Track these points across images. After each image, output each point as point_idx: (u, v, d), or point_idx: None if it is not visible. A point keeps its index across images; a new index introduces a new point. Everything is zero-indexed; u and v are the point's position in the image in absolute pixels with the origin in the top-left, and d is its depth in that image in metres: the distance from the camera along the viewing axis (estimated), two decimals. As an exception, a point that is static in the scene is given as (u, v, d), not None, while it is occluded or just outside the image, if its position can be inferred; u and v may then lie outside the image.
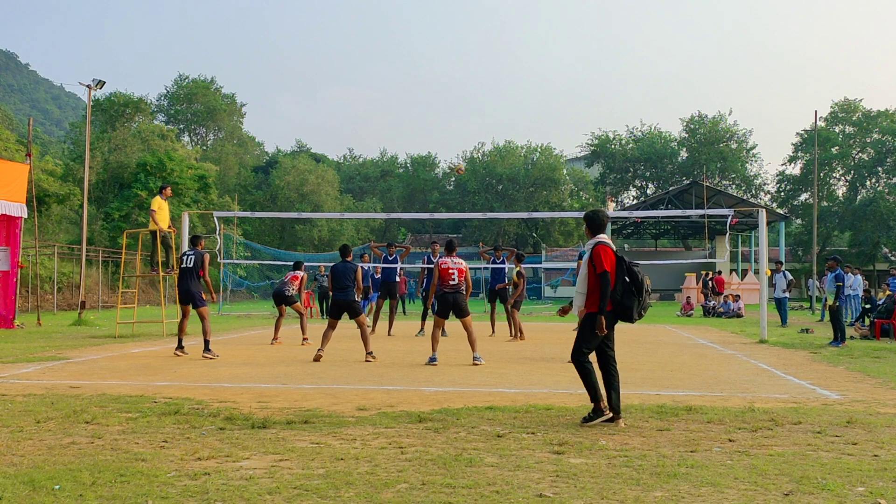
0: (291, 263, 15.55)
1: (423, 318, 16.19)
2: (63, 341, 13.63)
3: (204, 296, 11.38)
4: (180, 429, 5.62)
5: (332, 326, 10.85)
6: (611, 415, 5.91)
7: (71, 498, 3.88)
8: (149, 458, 4.72)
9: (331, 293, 11.14)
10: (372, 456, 4.80)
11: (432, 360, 10.23)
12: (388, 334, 15.38)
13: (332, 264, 11.44)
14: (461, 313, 10.34)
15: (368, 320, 17.38)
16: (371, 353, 10.70)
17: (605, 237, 6.16)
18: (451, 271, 10.36)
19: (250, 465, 4.59)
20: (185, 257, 11.55)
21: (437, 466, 4.55)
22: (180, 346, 11.14)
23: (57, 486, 4.05)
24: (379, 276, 17.00)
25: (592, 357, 6.05)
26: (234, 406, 6.60)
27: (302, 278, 14.10)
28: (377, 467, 4.52)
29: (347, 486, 4.12)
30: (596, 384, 5.97)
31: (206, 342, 10.97)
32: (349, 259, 11.06)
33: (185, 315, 11.49)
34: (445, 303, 10.37)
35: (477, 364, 10.05)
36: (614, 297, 5.96)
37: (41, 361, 10.20)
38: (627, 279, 5.96)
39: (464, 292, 10.43)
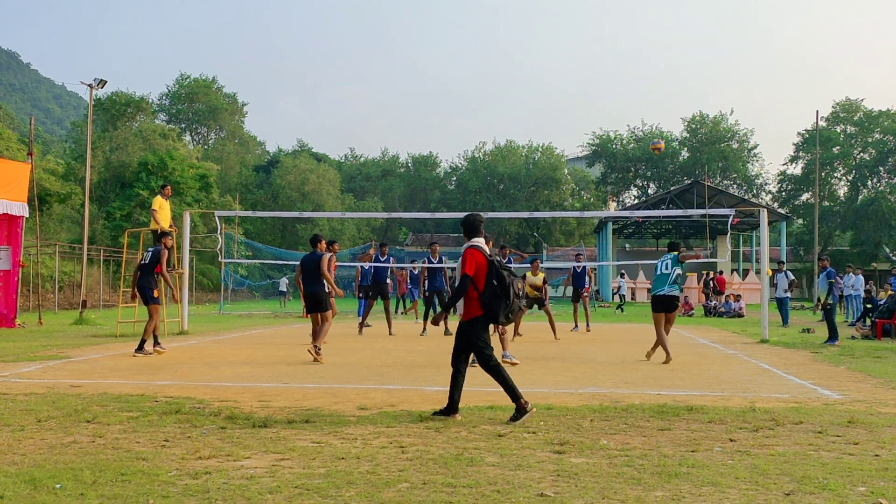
0: (287, 263, 15.50)
1: (426, 318, 16.20)
2: (64, 340, 13.64)
3: (155, 293, 11.28)
4: (181, 428, 5.62)
5: (315, 322, 10.69)
6: (534, 410, 5.96)
7: (72, 497, 3.89)
8: (150, 457, 4.72)
9: (301, 288, 10.92)
10: (373, 455, 4.80)
11: (505, 356, 10.04)
12: (389, 334, 15.39)
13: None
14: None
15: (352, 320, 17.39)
16: (317, 346, 10.16)
17: (477, 241, 6.16)
18: None
19: (251, 464, 4.59)
20: (145, 254, 11.62)
21: (438, 466, 4.55)
22: (156, 343, 11.26)
23: (58, 485, 4.05)
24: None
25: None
26: (235, 405, 6.60)
27: (330, 259, 13.56)
28: (378, 466, 4.52)
29: (348, 486, 4.12)
30: (511, 382, 5.99)
31: (143, 341, 10.90)
32: (320, 249, 10.81)
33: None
34: None
35: (506, 362, 9.89)
36: (483, 300, 5.96)
37: (42, 360, 10.20)
38: (495, 282, 5.94)
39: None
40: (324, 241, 11.05)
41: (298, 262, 11.29)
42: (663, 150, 16.04)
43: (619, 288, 32.88)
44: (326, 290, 10.64)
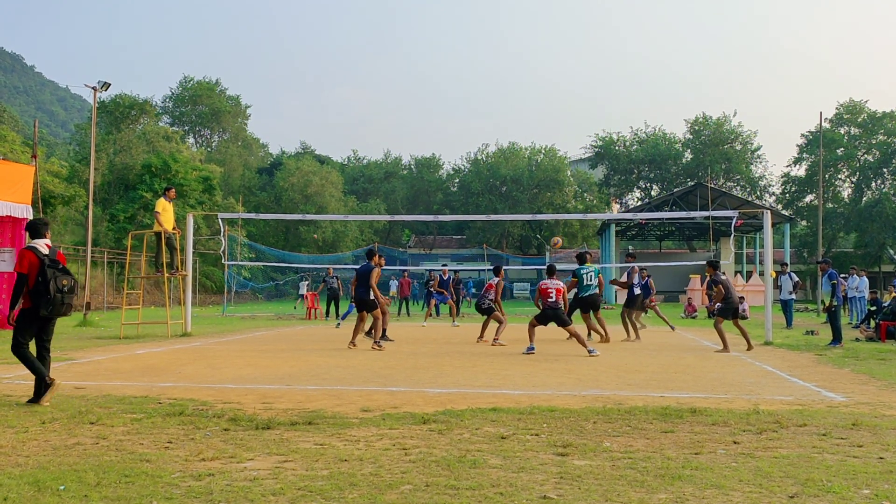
0: (290, 266, 16.03)
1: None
2: (68, 342, 13.67)
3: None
4: (185, 430, 5.63)
5: (362, 320, 13.02)
6: (52, 382, 6.74)
7: (76, 498, 3.89)
8: (153, 458, 4.73)
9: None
10: (376, 457, 4.80)
11: (530, 349, 12.00)
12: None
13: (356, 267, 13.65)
14: (562, 324, 12.30)
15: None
16: (375, 341, 12.73)
17: (34, 242, 6.92)
18: (549, 291, 12.26)
19: (254, 466, 4.60)
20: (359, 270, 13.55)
21: (441, 468, 4.54)
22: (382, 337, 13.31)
23: (62, 487, 4.06)
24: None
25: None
26: (238, 407, 6.61)
27: (497, 284, 14.74)
28: (381, 468, 4.52)
29: (351, 488, 4.12)
30: (36, 364, 6.81)
31: (384, 332, 13.61)
32: (373, 262, 13.04)
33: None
34: (545, 316, 12.31)
35: (592, 356, 11.54)
36: (31, 294, 6.75)
37: (46, 362, 10.21)
38: (40, 279, 6.72)
39: (561, 307, 12.33)
40: (377, 255, 13.25)
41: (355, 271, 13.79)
42: (560, 245, 16.51)
43: None
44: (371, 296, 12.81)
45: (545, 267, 13.35)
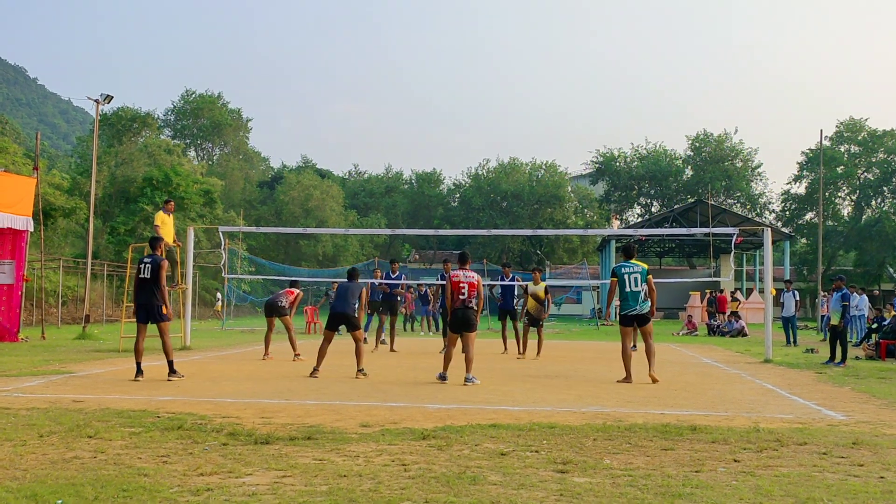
0: (291, 280, 15.68)
1: (445, 334, 16.40)
2: (67, 355, 13.64)
3: (164, 310, 9.92)
4: (183, 444, 5.61)
5: (328, 340, 10.74)
6: None
7: (73, 512, 3.88)
8: (151, 473, 4.71)
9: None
10: (375, 473, 4.79)
11: (441, 377, 9.89)
12: (391, 350, 15.60)
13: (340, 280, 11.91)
14: (468, 328, 9.77)
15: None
16: (362, 369, 10.49)
17: None
18: (461, 285, 9.72)
19: (253, 480, 4.58)
20: (142, 266, 9.88)
21: (441, 484, 4.53)
22: (139, 372, 9.77)
23: (59, 501, 4.05)
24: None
25: None
26: (237, 421, 6.59)
27: (297, 295, 13.91)
28: (380, 484, 4.51)
29: (350, 503, 4.11)
30: None
31: (170, 363, 9.87)
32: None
33: (140, 333, 10.03)
34: (455, 318, 9.78)
35: (468, 384, 9.44)
36: None
37: (45, 375, 10.20)
38: None
39: (474, 307, 9.79)
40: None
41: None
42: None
43: None
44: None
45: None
